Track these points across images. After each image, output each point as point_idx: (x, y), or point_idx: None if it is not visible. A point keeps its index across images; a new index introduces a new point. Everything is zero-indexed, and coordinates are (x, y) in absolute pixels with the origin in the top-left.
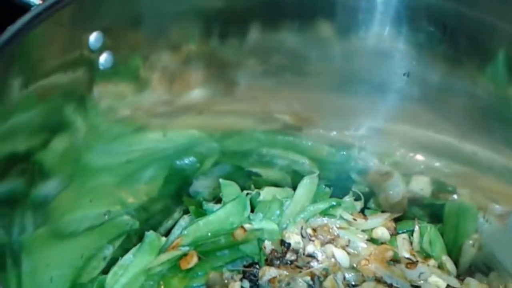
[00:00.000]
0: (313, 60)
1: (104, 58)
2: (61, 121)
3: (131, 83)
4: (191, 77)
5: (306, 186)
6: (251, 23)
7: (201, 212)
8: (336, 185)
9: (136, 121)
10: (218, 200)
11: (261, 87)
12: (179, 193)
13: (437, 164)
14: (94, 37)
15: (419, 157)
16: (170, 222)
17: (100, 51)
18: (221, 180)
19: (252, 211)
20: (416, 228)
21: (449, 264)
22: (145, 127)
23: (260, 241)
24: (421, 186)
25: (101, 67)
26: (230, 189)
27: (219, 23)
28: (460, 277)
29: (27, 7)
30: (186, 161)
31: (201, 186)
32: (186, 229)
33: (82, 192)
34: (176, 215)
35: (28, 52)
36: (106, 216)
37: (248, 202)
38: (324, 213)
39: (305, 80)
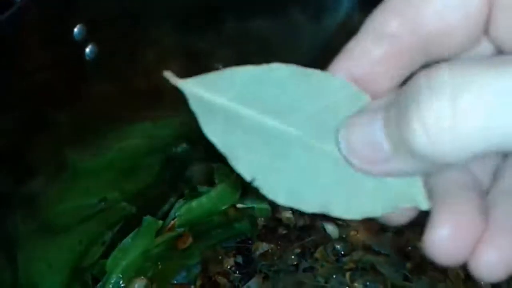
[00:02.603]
0: (286, 46)
1: (89, 50)
2: (47, 119)
3: (114, 77)
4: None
5: None
6: (226, 14)
7: (195, 196)
8: None
9: (121, 114)
10: (212, 183)
11: None
12: (174, 178)
13: None
14: (78, 29)
15: None
16: (166, 207)
17: (85, 43)
18: (213, 164)
19: (244, 191)
20: None
21: None
22: (133, 119)
23: (253, 218)
24: None
25: (87, 58)
26: (222, 171)
27: (196, 17)
28: None
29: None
30: (181, 147)
31: (195, 171)
32: (180, 210)
33: (74, 185)
34: (172, 199)
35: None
36: (103, 203)
37: (239, 183)
38: None
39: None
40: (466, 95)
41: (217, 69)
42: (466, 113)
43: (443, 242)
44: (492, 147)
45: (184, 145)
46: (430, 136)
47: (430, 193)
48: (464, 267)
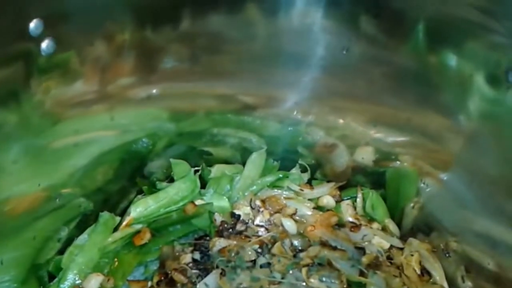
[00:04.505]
0: (240, 41)
1: (46, 45)
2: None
3: (68, 73)
4: (124, 66)
5: (255, 161)
6: (182, 9)
7: (154, 192)
8: (284, 159)
9: (78, 109)
10: (171, 179)
11: (190, 69)
12: (134, 174)
13: (378, 134)
14: (34, 24)
15: (362, 128)
16: (125, 203)
17: (41, 37)
18: (171, 160)
19: (204, 187)
20: (359, 194)
21: (392, 226)
22: (89, 114)
23: (211, 214)
24: (364, 155)
25: (43, 53)
26: (180, 167)
27: (151, 12)
28: (403, 237)
29: None
30: (140, 143)
31: (155, 166)
32: (137, 206)
33: (26, 182)
34: (131, 196)
35: None
36: (58, 200)
37: (198, 179)
38: (272, 185)
39: (233, 60)
40: None
41: (171, 65)
42: None
43: None
44: None
45: (144, 140)
46: None
47: None
48: (419, 262)
